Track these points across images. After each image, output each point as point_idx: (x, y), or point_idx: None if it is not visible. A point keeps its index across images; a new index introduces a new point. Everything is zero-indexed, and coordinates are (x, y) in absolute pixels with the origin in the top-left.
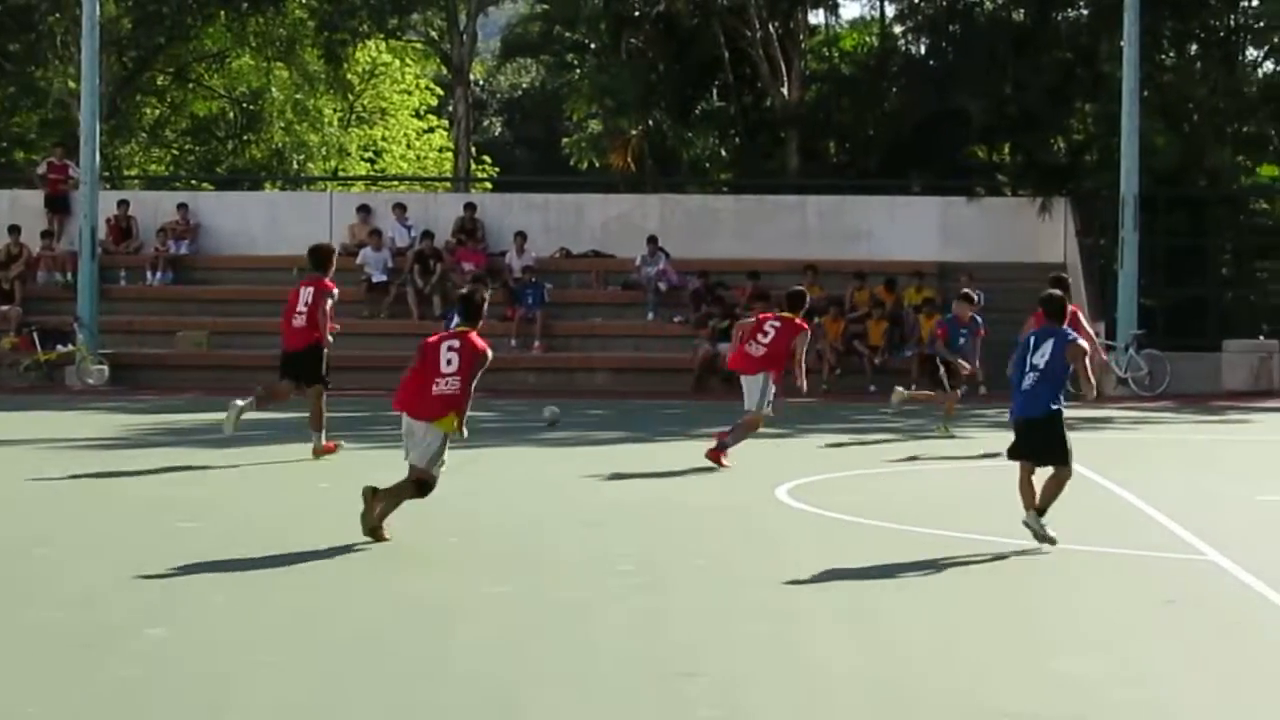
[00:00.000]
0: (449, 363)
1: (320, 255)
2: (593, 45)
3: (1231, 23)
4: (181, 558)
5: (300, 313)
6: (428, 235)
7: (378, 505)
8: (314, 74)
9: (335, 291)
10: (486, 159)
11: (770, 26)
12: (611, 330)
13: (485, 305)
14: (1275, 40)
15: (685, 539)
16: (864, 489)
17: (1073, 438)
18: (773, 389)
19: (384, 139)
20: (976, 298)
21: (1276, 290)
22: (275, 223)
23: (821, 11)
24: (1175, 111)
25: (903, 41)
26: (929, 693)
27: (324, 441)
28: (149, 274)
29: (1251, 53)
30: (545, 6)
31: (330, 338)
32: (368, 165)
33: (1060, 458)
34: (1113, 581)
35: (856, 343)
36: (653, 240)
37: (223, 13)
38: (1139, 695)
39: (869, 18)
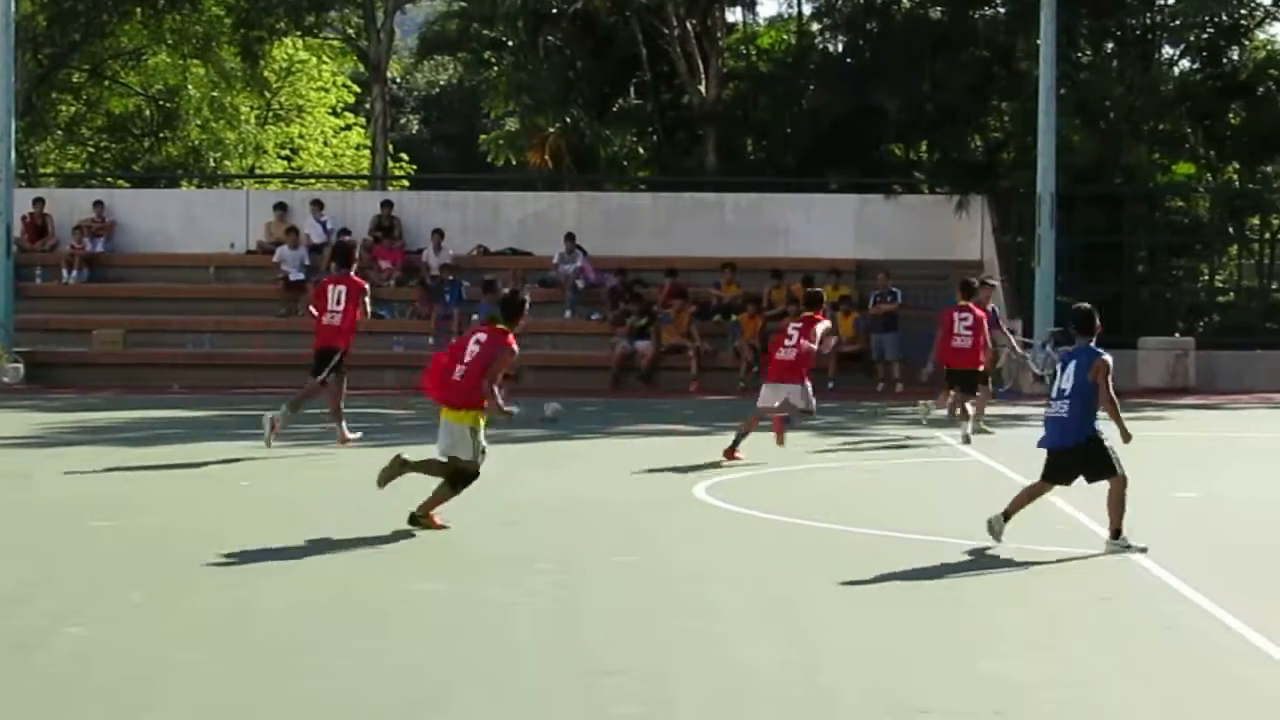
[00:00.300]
0: (470, 354)
1: (345, 252)
2: (510, 43)
3: (1148, 21)
4: (99, 556)
5: (334, 312)
6: (345, 233)
7: (398, 474)
8: (231, 71)
9: (367, 288)
10: (404, 157)
11: (688, 24)
12: (529, 328)
13: (526, 306)
14: (1191, 38)
15: (605, 537)
16: (782, 486)
17: (991, 436)
18: (809, 384)
19: (301, 136)
20: (994, 284)
21: (1192, 288)
22: (192, 220)
23: (739, 9)
24: (1092, 109)
25: (820, 39)
26: (852, 691)
27: (275, 426)
28: (65, 272)
29: (1168, 51)
30: (463, 4)
31: (368, 315)
32: (284, 163)
33: (1109, 470)
34: (1035, 581)
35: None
36: (570, 238)
37: (139, 10)
38: (1064, 695)
39: (786, 15)
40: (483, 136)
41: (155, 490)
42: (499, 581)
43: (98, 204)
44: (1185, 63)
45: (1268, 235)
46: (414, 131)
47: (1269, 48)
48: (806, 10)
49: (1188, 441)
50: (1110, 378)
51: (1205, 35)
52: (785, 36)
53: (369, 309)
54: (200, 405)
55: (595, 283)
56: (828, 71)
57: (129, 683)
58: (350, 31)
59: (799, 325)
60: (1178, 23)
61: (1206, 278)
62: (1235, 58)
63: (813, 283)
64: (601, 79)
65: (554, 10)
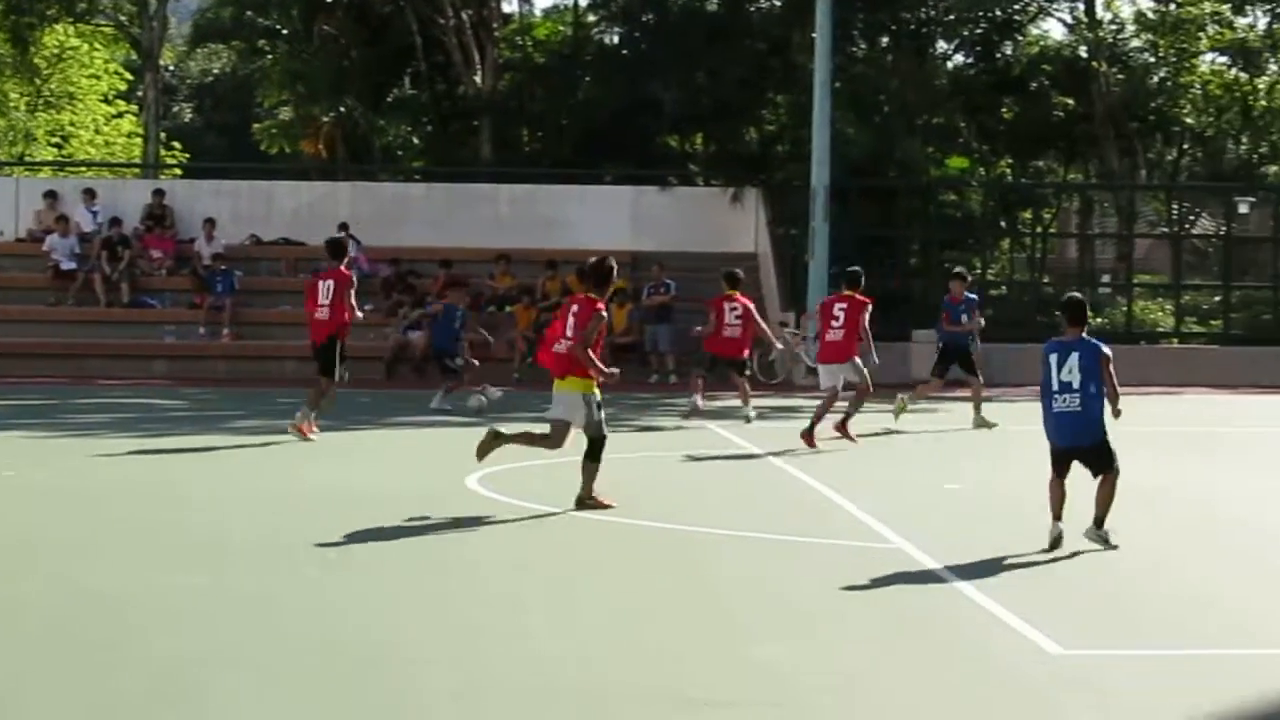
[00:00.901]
0: (570, 327)
1: (337, 247)
2: (284, 31)
3: (923, 16)
4: None
5: (323, 305)
6: (116, 222)
7: (494, 447)
8: (0, 58)
9: (354, 279)
10: (176, 145)
11: (463, 14)
12: (302, 318)
13: (614, 271)
14: (965, 34)
15: (375, 527)
16: (554, 477)
17: (762, 426)
18: (859, 361)
19: (72, 124)
20: (970, 276)
21: None
22: None
23: (515, 0)
24: (866, 103)
25: (596, 31)
26: (630, 683)
27: (310, 420)
28: None
29: (941, 45)
30: None
31: (360, 314)
32: (55, 150)
33: (1109, 465)
34: (804, 569)
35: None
36: (344, 228)
37: None
38: (831, 681)
39: (563, 7)
40: (256, 125)
41: None
42: (266, 572)
43: None
44: (959, 58)
45: (1039, 229)
46: (187, 120)
47: (1041, 44)
48: (583, 2)
49: (958, 434)
50: (1111, 366)
51: (979, 31)
52: (561, 28)
53: (353, 303)
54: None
55: (369, 273)
56: (603, 63)
57: None
58: (123, 18)
59: (844, 306)
60: (952, 18)
61: (979, 271)
62: (1008, 53)
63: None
64: (376, 68)
65: None
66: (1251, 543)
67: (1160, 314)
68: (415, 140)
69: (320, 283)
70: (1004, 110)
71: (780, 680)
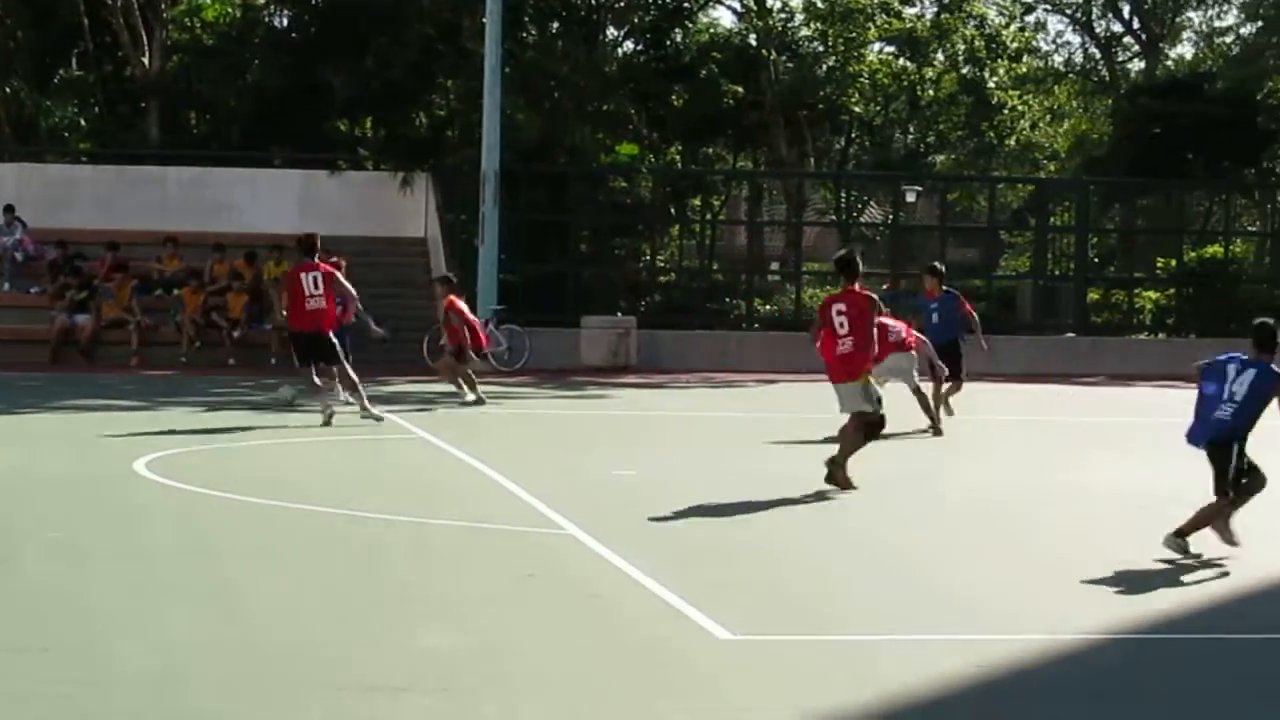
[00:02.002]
0: (842, 325)
1: (310, 243)
2: None
3: (593, 2)
4: None
5: (313, 296)
6: None
7: (841, 472)
8: None
9: (336, 269)
10: None
11: None
12: None
13: (859, 261)
14: (635, 20)
15: (40, 512)
16: (223, 463)
17: (434, 413)
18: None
19: None
20: (944, 270)
21: (634, 267)
22: None
23: None
24: (537, 89)
25: (265, 13)
26: (293, 668)
27: (366, 402)
28: None
29: (612, 32)
30: None
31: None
32: None
33: (1219, 482)
34: (473, 556)
35: (215, 315)
36: (10, 209)
37: None
38: (502, 668)
39: None
40: None
41: None
42: None
43: None
44: (629, 44)
45: (709, 216)
46: None
47: (711, 31)
48: None
49: (627, 419)
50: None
51: (649, 18)
52: (230, 10)
53: (350, 287)
54: None
55: (35, 255)
56: (273, 46)
57: None
58: None
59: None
60: (622, 4)
61: (648, 257)
62: (678, 40)
63: (255, 258)
64: (43, 49)
65: None
66: (934, 529)
67: None
68: (82, 122)
69: (303, 275)
70: (674, 97)
71: (448, 667)
